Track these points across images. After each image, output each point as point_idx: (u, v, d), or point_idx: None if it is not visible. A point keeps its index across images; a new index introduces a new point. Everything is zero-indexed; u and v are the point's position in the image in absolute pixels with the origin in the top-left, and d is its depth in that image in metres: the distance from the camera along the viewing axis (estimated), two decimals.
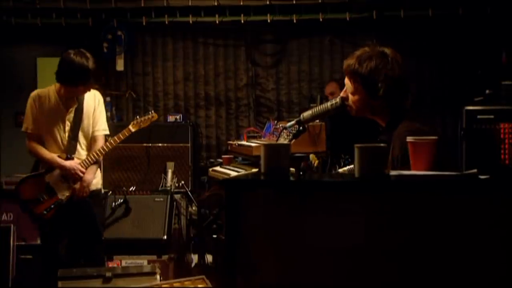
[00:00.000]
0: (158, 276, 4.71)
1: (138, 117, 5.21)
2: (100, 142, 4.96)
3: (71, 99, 4.87)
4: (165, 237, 5.88)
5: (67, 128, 4.86)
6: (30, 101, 4.89)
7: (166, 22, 7.61)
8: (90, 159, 4.87)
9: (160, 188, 6.66)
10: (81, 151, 4.92)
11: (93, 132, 4.95)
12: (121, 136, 4.98)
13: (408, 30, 7.31)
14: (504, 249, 2.02)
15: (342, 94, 3.08)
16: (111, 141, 4.96)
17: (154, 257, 5.78)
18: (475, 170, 2.17)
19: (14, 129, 7.84)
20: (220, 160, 6.78)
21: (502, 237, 2.02)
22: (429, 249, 2.05)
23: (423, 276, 2.05)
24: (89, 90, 4.85)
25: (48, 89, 4.93)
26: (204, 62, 7.87)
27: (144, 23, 7.64)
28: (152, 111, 5.38)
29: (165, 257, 5.81)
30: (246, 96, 7.86)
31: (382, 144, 2.26)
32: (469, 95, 5.07)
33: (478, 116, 4.12)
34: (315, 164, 3.89)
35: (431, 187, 2.13)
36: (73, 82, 4.75)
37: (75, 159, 4.86)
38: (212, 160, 7.18)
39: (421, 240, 2.05)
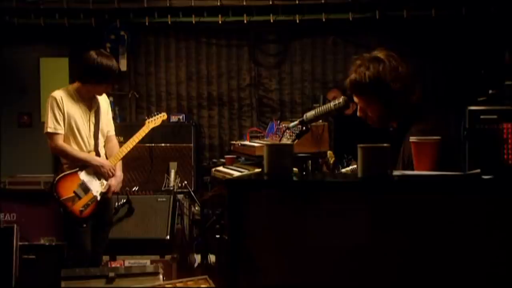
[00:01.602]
0: (161, 276, 4.72)
1: (149, 116, 5.43)
2: (114, 141, 5.20)
3: (91, 100, 4.97)
4: (168, 237, 5.88)
5: (91, 127, 4.98)
6: (54, 101, 4.87)
7: (169, 23, 7.61)
8: (117, 157, 5.08)
9: (163, 188, 6.66)
10: (102, 150, 5.09)
11: (108, 132, 5.14)
12: (142, 134, 5.23)
13: (411, 30, 7.31)
14: (507, 249, 2.02)
15: (359, 114, 3.06)
16: (134, 138, 5.17)
17: (157, 257, 5.78)
18: (478, 170, 2.16)
19: (17, 129, 7.87)
20: (223, 160, 6.79)
21: (505, 238, 2.02)
22: (433, 249, 2.05)
23: (426, 276, 2.05)
24: (110, 90, 5.06)
25: (67, 89, 4.96)
26: (207, 62, 7.87)
27: (147, 24, 7.64)
28: (160, 112, 5.55)
29: (168, 257, 5.81)
30: (249, 96, 7.86)
31: (385, 144, 2.26)
32: (472, 95, 5.05)
33: (481, 116, 4.10)
34: (331, 162, 3.89)
35: (434, 187, 2.12)
36: (100, 82, 4.86)
37: (102, 156, 5.04)
38: (215, 160, 7.19)
39: (424, 240, 2.05)
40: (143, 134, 5.26)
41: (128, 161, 7.12)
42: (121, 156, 5.11)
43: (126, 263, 5.71)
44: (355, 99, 3.04)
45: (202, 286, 4.47)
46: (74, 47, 7.67)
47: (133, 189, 6.38)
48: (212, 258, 6.28)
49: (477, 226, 2.03)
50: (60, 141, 4.90)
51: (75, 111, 4.90)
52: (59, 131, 4.87)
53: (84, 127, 4.94)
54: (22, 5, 7.57)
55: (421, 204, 2.06)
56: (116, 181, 5.06)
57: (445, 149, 2.44)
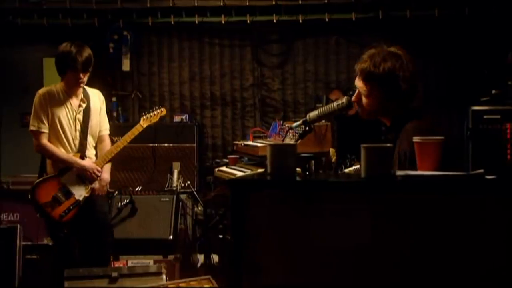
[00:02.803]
0: (164, 276, 4.72)
1: (145, 113, 5.22)
2: (107, 141, 5.03)
3: (78, 98, 4.86)
4: (171, 237, 5.89)
5: (78, 126, 4.85)
6: (39, 99, 4.83)
7: (172, 23, 7.60)
8: (105, 158, 4.90)
9: (166, 188, 6.67)
10: (91, 151, 4.94)
11: (100, 131, 4.98)
12: (135, 133, 5.01)
13: (414, 30, 7.30)
14: (511, 249, 2.02)
15: (354, 98, 3.06)
16: (126, 138, 4.97)
17: (160, 257, 5.79)
18: (481, 171, 2.16)
19: (20, 129, 7.86)
20: (226, 160, 6.79)
21: (509, 238, 2.02)
22: (436, 249, 2.05)
23: (430, 276, 2.05)
24: (81, 79, 4.77)
25: (55, 86, 4.89)
26: (210, 62, 7.86)
27: (150, 24, 7.63)
28: (160, 106, 5.36)
29: (171, 257, 5.82)
30: (252, 96, 7.85)
31: (388, 144, 2.26)
32: (475, 95, 5.05)
33: (485, 116, 4.10)
34: (334, 160, 3.89)
35: (438, 187, 2.12)
36: (62, 71, 4.78)
37: (87, 158, 4.87)
38: (218, 160, 7.19)
39: (427, 240, 2.05)
40: (136, 133, 5.05)
41: (131, 161, 7.16)
42: (109, 157, 4.94)
43: (129, 263, 5.72)
44: (358, 83, 3.04)
45: (205, 286, 4.47)
46: None
47: (136, 189, 6.39)
48: (215, 258, 6.29)
49: (481, 226, 2.03)
50: (44, 140, 4.81)
51: (60, 110, 4.81)
52: (42, 130, 4.80)
53: (69, 127, 4.82)
54: (25, 5, 7.57)
55: (425, 204, 2.06)
56: (100, 185, 4.90)
57: (444, 148, 2.44)
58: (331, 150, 3.49)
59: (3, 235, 5.59)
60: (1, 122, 7.75)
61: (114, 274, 4.66)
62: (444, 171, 2.27)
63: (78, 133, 4.85)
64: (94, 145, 4.98)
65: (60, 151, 4.82)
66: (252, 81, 7.83)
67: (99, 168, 4.85)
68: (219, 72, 7.86)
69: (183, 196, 6.46)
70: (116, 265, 5.53)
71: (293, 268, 2.13)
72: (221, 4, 7.45)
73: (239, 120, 7.86)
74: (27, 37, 7.78)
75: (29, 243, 5.87)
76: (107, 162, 4.94)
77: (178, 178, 6.75)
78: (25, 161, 7.56)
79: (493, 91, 4.78)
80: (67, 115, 4.83)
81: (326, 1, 7.32)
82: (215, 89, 7.88)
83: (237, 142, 6.80)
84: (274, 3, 7.39)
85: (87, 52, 4.76)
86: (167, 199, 6.12)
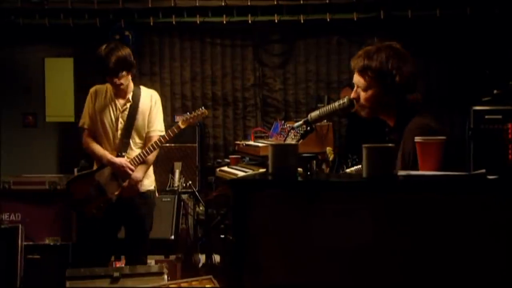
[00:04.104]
0: (165, 276, 4.72)
1: (188, 113, 5.10)
2: (154, 141, 4.89)
3: (124, 96, 4.87)
4: (173, 237, 5.89)
5: (120, 125, 4.84)
6: (88, 96, 4.91)
7: (174, 23, 7.61)
8: (139, 157, 4.82)
9: (167, 188, 6.67)
10: (135, 150, 4.88)
11: (148, 132, 4.91)
12: (171, 134, 4.88)
13: (415, 30, 7.29)
14: None
15: (352, 95, 3.06)
16: (161, 138, 4.87)
17: (161, 257, 5.79)
18: (483, 170, 2.16)
19: (21, 129, 7.88)
20: (227, 160, 6.80)
21: (510, 238, 2.02)
22: (437, 249, 2.04)
23: (432, 276, 2.05)
24: (116, 83, 4.75)
25: (106, 85, 4.91)
26: (211, 62, 7.86)
27: (151, 24, 7.64)
28: (203, 107, 5.22)
29: (172, 257, 5.82)
30: (253, 96, 7.85)
31: (390, 144, 2.26)
32: (477, 95, 5.05)
33: (486, 116, 4.10)
34: (331, 158, 3.89)
35: (439, 187, 2.12)
36: (100, 74, 4.79)
37: (126, 157, 4.83)
38: (219, 160, 7.19)
39: (429, 241, 2.05)
40: (172, 135, 4.87)
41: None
42: (142, 158, 4.81)
43: None
44: (355, 79, 3.05)
45: (207, 286, 4.47)
46: (79, 47, 7.69)
47: None
48: (216, 258, 6.29)
49: (483, 227, 2.03)
50: (85, 136, 4.87)
51: (104, 108, 4.84)
52: (84, 126, 4.88)
53: (111, 125, 4.83)
54: (27, 5, 7.58)
55: (427, 204, 2.06)
56: (129, 183, 4.82)
57: (445, 148, 2.43)
58: (328, 149, 3.50)
59: (4, 235, 5.60)
60: (1, 122, 7.75)
61: (116, 274, 4.66)
62: (446, 171, 2.26)
63: (119, 132, 4.83)
64: (141, 145, 4.91)
65: (96, 147, 4.84)
66: (254, 81, 7.83)
67: (131, 166, 4.78)
68: (220, 72, 7.86)
69: (184, 196, 6.46)
70: (118, 265, 5.53)
71: (295, 268, 2.13)
72: (223, 4, 7.45)
73: (240, 120, 7.86)
74: (29, 37, 7.79)
75: (31, 243, 5.88)
76: (143, 163, 4.83)
77: (180, 178, 6.75)
78: (27, 161, 7.59)
79: (495, 91, 4.78)
80: (110, 114, 4.84)
81: (327, 1, 7.32)
82: (217, 89, 7.88)
83: (238, 142, 6.81)
84: (275, 3, 7.39)
85: (116, 55, 4.69)
86: (168, 199, 6.12)
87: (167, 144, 7.16)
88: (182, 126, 4.96)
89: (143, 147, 4.88)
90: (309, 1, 7.39)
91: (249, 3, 7.42)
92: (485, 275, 2.02)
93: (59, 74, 7.82)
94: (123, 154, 4.83)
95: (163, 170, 7.09)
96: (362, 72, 3.00)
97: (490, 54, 7.00)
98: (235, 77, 7.86)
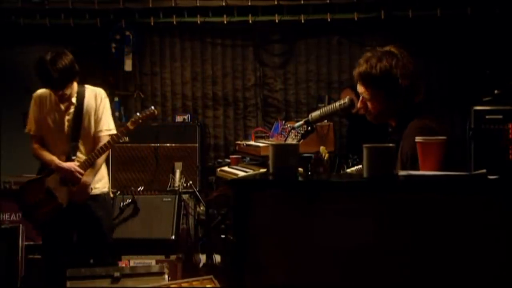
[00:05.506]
0: (166, 276, 4.73)
1: (138, 114, 4.92)
2: (104, 142, 4.73)
3: (69, 99, 4.69)
4: (173, 237, 5.89)
5: (67, 129, 4.71)
6: (32, 101, 4.79)
7: (174, 23, 7.61)
8: (89, 160, 4.67)
9: (168, 188, 6.67)
10: (85, 153, 4.76)
11: (96, 132, 4.76)
12: (119, 134, 4.76)
13: (416, 30, 7.29)
14: None
15: (359, 104, 3.06)
16: (110, 140, 4.70)
17: (162, 257, 5.79)
18: (484, 171, 2.16)
19: (22, 129, 7.82)
20: (228, 160, 6.80)
21: (511, 238, 2.02)
22: (438, 249, 2.04)
23: (432, 276, 2.05)
24: (65, 91, 4.59)
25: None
26: (212, 62, 7.86)
27: (152, 24, 7.64)
28: (152, 107, 5.05)
29: (173, 257, 5.82)
30: (254, 96, 7.85)
31: (390, 144, 2.26)
32: (478, 95, 5.05)
33: (487, 116, 4.10)
34: (325, 157, 3.89)
35: (440, 187, 2.12)
36: (42, 85, 4.68)
37: (76, 161, 4.69)
38: (220, 160, 7.19)
39: (429, 241, 2.05)
40: (121, 136, 4.76)
41: (133, 161, 7.17)
42: (92, 160, 4.66)
43: (132, 263, 5.72)
44: (360, 89, 3.04)
45: (207, 286, 4.47)
46: (80, 47, 7.68)
47: (138, 189, 6.39)
48: (217, 258, 6.29)
49: (484, 226, 2.03)
50: (33, 142, 4.78)
51: (49, 112, 4.72)
52: (31, 132, 4.78)
53: (57, 129, 4.70)
54: (27, 5, 7.58)
55: (427, 204, 2.06)
56: (78, 188, 4.67)
57: (446, 147, 2.43)
58: (322, 148, 3.50)
59: (5, 235, 5.60)
60: (2, 122, 7.75)
61: (116, 274, 4.66)
62: (446, 171, 2.26)
63: (65, 135, 4.70)
64: (90, 147, 4.75)
65: (44, 153, 4.72)
66: (254, 81, 7.83)
67: (80, 170, 4.64)
68: (221, 72, 7.86)
69: (185, 196, 6.46)
70: (118, 265, 5.53)
71: (295, 268, 2.13)
72: (223, 4, 7.45)
73: (241, 120, 7.86)
74: (29, 37, 7.78)
75: (31, 243, 5.87)
76: (93, 166, 4.70)
77: (180, 178, 6.74)
78: (27, 161, 7.55)
79: (495, 91, 4.78)
80: (55, 118, 4.71)
81: (328, 1, 7.31)
82: (217, 89, 7.88)
83: (239, 142, 6.81)
84: (276, 3, 7.38)
85: (59, 69, 4.48)
86: (169, 199, 6.11)
87: (168, 144, 7.18)
88: (131, 127, 4.80)
89: (92, 149, 4.73)
90: (310, 1, 7.38)
91: (249, 3, 7.42)
92: (485, 275, 2.02)
93: None
94: (73, 158, 4.68)
95: (163, 170, 7.09)
96: (365, 82, 2.99)
97: (491, 54, 7.00)
98: (236, 77, 7.86)
